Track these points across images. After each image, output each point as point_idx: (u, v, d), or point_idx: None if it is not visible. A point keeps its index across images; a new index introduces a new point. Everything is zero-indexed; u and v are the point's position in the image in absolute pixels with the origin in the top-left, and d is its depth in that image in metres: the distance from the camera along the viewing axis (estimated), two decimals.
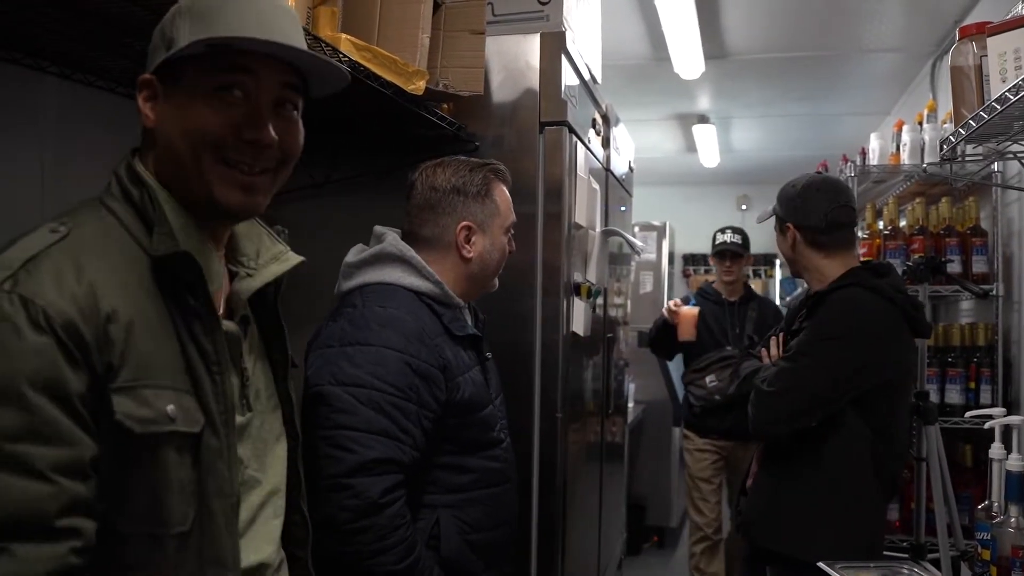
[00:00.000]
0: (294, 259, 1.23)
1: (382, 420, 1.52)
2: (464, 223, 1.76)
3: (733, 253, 4.10)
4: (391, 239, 1.76)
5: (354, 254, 1.79)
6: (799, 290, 2.70)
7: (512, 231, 1.87)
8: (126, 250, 1.01)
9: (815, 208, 2.28)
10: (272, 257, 1.22)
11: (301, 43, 1.08)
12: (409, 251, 1.74)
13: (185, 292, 1.03)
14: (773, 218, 2.42)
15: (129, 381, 0.94)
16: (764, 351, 2.46)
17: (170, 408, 0.97)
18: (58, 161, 1.80)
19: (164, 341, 1.00)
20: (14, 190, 1.71)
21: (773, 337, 2.47)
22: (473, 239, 1.77)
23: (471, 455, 1.72)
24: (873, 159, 3.56)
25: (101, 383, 0.92)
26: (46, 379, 0.86)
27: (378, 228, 1.82)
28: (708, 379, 3.72)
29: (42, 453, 0.84)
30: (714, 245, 4.19)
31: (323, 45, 1.57)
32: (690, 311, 3.96)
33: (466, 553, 1.68)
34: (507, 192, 1.86)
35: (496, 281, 1.88)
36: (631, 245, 2.91)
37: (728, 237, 4.14)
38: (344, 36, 1.67)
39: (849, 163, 3.55)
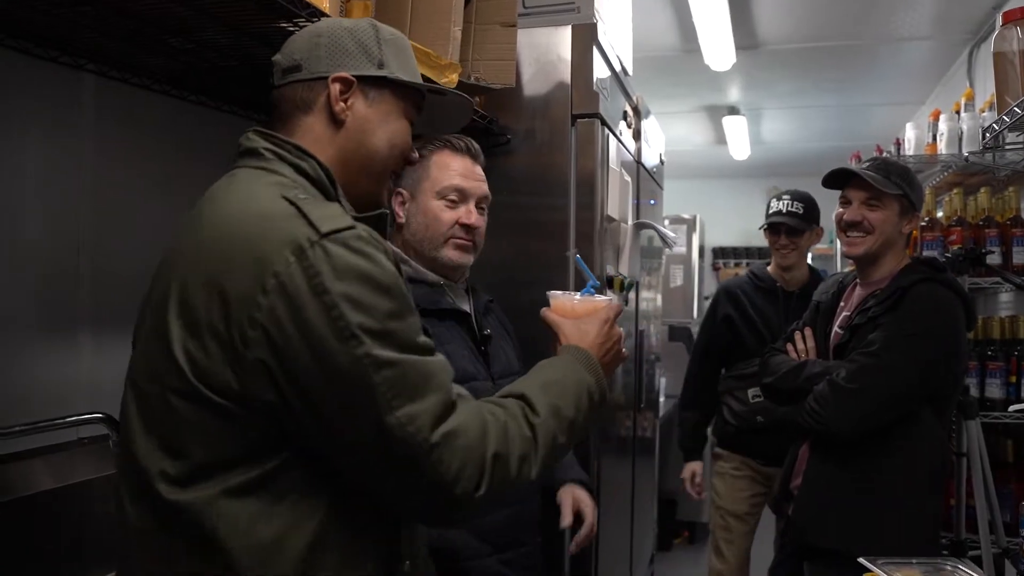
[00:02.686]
0: None
1: None
2: (400, 189, 1.82)
3: (790, 228, 3.01)
4: None
5: None
6: (828, 280, 2.51)
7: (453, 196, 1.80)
8: None
9: (923, 201, 2.22)
10: None
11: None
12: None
13: None
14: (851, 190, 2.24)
15: None
16: (790, 346, 2.38)
17: None
18: (96, 157, 1.81)
19: None
20: (54, 185, 1.73)
21: (797, 332, 2.40)
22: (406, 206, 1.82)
23: None
24: (909, 149, 3.50)
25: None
26: (402, 293, 1.06)
27: None
28: (752, 392, 2.95)
29: (428, 341, 1.09)
30: (767, 214, 3.11)
31: None
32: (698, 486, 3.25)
33: (463, 537, 1.67)
34: (450, 158, 1.81)
35: (447, 252, 1.79)
36: (664, 238, 2.88)
37: (784, 204, 3.05)
38: None
39: (885, 153, 3.49)
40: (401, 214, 1.82)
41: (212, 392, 0.99)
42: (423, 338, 1.07)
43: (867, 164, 2.25)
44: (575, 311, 1.39)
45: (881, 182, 2.15)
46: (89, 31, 1.52)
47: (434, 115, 1.39)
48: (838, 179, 2.27)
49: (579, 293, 1.43)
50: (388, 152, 1.25)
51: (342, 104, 1.20)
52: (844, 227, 2.24)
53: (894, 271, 2.19)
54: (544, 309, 1.41)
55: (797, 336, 2.39)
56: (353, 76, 1.21)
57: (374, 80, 1.23)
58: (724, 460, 3.16)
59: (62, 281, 1.74)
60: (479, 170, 1.84)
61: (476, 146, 1.85)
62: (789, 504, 2.31)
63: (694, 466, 3.29)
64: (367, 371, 0.99)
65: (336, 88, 1.20)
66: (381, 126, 1.24)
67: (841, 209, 2.26)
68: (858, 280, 2.32)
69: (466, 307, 1.83)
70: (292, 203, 1.04)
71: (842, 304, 2.35)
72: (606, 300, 1.41)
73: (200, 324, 0.99)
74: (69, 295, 1.76)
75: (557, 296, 1.44)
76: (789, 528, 2.30)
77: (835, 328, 2.32)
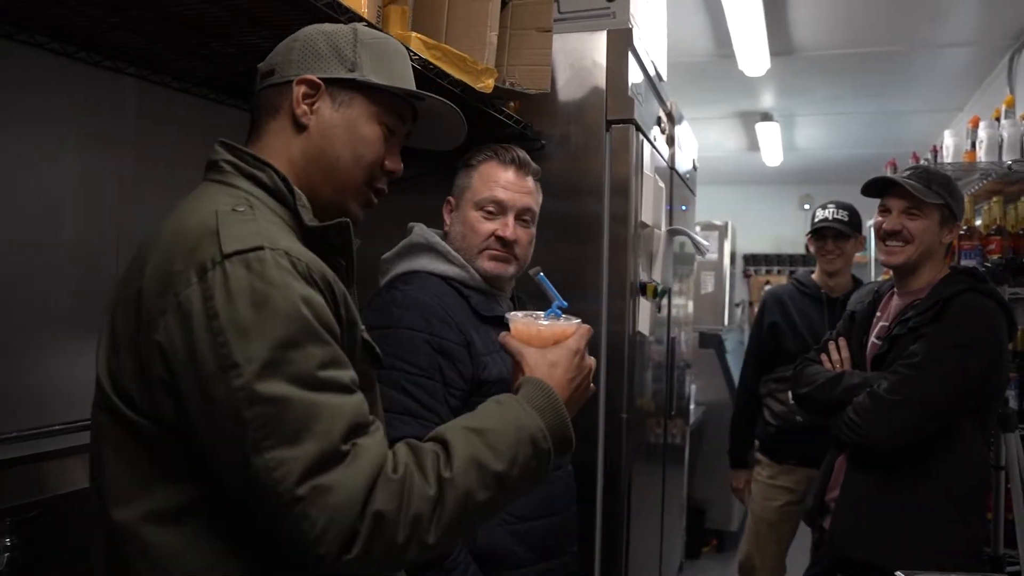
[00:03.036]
0: (355, 241, 1.28)
1: (404, 400, 1.55)
2: (449, 197, 1.88)
3: (837, 232, 3.12)
4: (419, 229, 1.83)
5: (390, 251, 1.85)
6: (862, 289, 2.48)
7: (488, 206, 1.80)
8: (282, 222, 1.10)
9: (963, 211, 2.19)
10: None
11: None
12: (435, 238, 1.79)
13: (336, 255, 1.15)
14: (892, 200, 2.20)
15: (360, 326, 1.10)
16: (824, 357, 2.35)
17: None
18: (136, 159, 1.84)
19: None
20: (95, 187, 1.76)
21: (831, 341, 2.36)
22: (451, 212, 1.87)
23: None
24: (947, 157, 3.45)
25: (348, 329, 1.06)
26: (324, 319, 0.98)
27: (410, 223, 1.87)
28: (792, 394, 2.92)
29: (344, 374, 0.99)
30: (813, 223, 3.23)
31: None
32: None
33: (508, 545, 1.66)
34: (494, 168, 1.82)
35: (482, 262, 1.78)
36: (696, 244, 2.87)
37: (831, 213, 3.16)
38: (414, 34, 1.67)
39: (922, 161, 3.44)
40: (447, 221, 1.85)
41: (127, 408, 0.98)
42: (333, 373, 0.97)
43: (907, 172, 2.21)
44: (541, 337, 1.24)
45: (922, 191, 2.11)
46: (132, 35, 1.55)
47: (433, 128, 1.32)
48: (878, 187, 2.23)
49: (544, 315, 1.29)
50: (352, 160, 1.17)
51: (304, 107, 1.15)
52: (883, 236, 2.20)
53: (933, 281, 2.16)
54: (504, 335, 1.27)
55: (831, 346, 2.35)
56: (320, 79, 1.16)
57: (343, 83, 1.17)
58: (762, 467, 3.29)
59: (101, 281, 1.76)
60: (527, 183, 1.83)
61: (525, 157, 1.84)
62: (824, 517, 2.28)
63: (744, 475, 3.43)
64: (240, 405, 0.91)
65: (300, 91, 1.15)
66: (347, 132, 1.17)
67: (880, 218, 2.22)
68: (895, 289, 2.28)
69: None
70: (217, 219, 1.00)
71: (879, 314, 2.31)
72: (575, 324, 1.26)
73: (120, 339, 1.00)
74: (108, 295, 1.78)
75: (518, 319, 1.28)
76: (824, 540, 2.27)
77: (872, 339, 2.28)
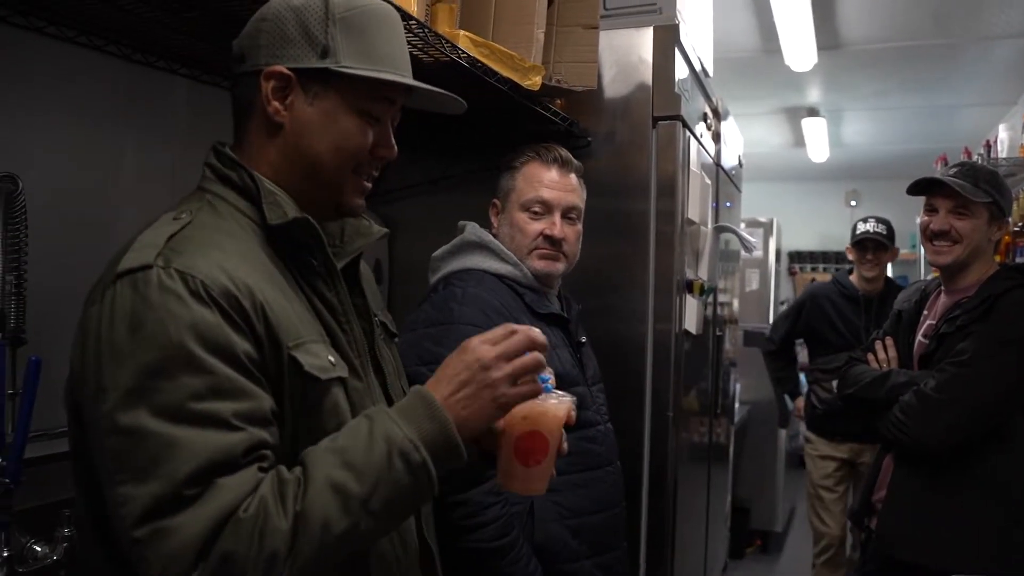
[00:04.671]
0: (378, 231, 1.25)
1: None
2: (495, 199, 1.88)
3: (877, 243, 3.61)
4: (471, 228, 1.84)
5: (441, 248, 1.86)
6: (909, 288, 2.48)
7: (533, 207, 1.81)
8: (243, 225, 1.04)
9: (1011, 206, 2.18)
10: (356, 231, 1.24)
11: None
12: (488, 237, 1.81)
13: (305, 254, 1.08)
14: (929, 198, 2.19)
15: (294, 339, 0.99)
16: (871, 356, 2.32)
17: (330, 357, 1.03)
18: (187, 158, 1.87)
19: (295, 301, 1.04)
20: (148, 186, 1.79)
21: (878, 340, 2.33)
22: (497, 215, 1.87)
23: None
24: (1001, 151, 3.38)
25: (269, 345, 0.96)
26: (215, 343, 0.90)
27: (461, 222, 1.88)
28: (835, 383, 3.11)
29: (226, 406, 0.89)
30: (854, 234, 3.70)
31: (443, 42, 1.59)
32: None
33: (565, 538, 1.67)
34: (537, 169, 1.82)
35: (532, 262, 1.79)
36: (744, 241, 2.84)
37: (871, 226, 3.65)
38: (462, 32, 1.68)
39: (977, 156, 3.36)
40: (494, 223, 1.86)
41: (68, 413, 0.99)
42: (208, 405, 0.88)
43: (954, 170, 2.17)
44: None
45: (970, 190, 2.08)
46: (185, 36, 1.57)
47: (434, 96, 1.19)
48: (923, 186, 2.20)
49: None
50: (334, 156, 1.07)
51: (276, 104, 1.05)
52: (930, 236, 2.17)
53: (982, 278, 2.12)
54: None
55: (878, 345, 2.32)
56: (289, 70, 1.04)
57: (315, 73, 1.04)
58: (812, 444, 3.85)
59: None
60: (571, 180, 1.84)
61: (566, 155, 1.84)
62: (871, 517, 2.25)
63: (801, 400, 4.12)
64: (102, 432, 0.88)
65: (268, 86, 1.04)
66: (325, 128, 1.06)
67: (927, 217, 2.19)
68: (943, 288, 2.24)
69: (564, 314, 1.85)
70: (147, 231, 0.98)
71: (925, 313, 2.27)
72: (554, 403, 1.09)
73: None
74: None
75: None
76: (872, 541, 2.24)
77: (919, 337, 2.25)
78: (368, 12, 1.08)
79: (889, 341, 2.31)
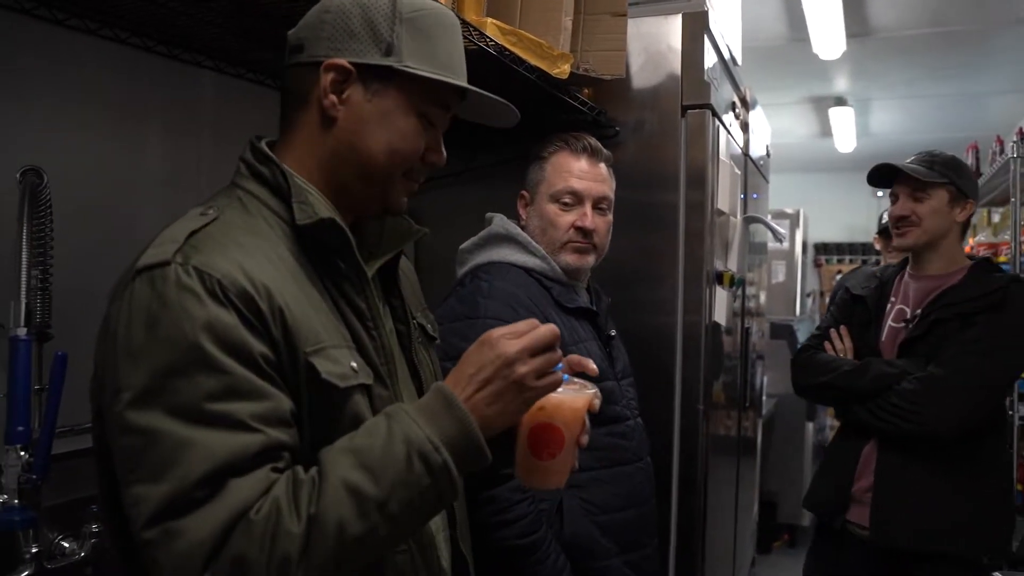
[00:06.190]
0: (417, 230, 1.22)
1: None
2: (523, 191, 1.84)
3: None
4: (499, 220, 1.81)
5: (468, 241, 1.83)
6: (859, 274, 2.61)
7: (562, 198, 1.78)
8: (271, 224, 1.02)
9: (975, 188, 2.24)
10: (395, 230, 1.21)
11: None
12: (515, 229, 1.78)
13: (334, 256, 1.05)
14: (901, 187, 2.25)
15: (313, 344, 0.96)
16: (828, 344, 2.34)
17: (353, 364, 1.00)
18: (213, 150, 1.86)
19: (320, 305, 1.01)
20: (175, 177, 1.78)
21: (833, 329, 2.35)
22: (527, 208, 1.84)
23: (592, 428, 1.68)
24: None
25: (286, 350, 0.94)
26: (232, 344, 0.88)
27: (489, 214, 1.85)
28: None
29: (243, 407, 0.88)
30: (880, 224, 3.61)
31: (471, 30, 1.56)
32: None
33: (593, 535, 1.65)
34: (567, 159, 1.79)
35: (565, 256, 1.77)
36: (774, 232, 2.80)
37: None
38: (490, 20, 1.65)
39: (1012, 144, 3.29)
40: (523, 215, 1.83)
41: (93, 410, 0.98)
42: (224, 406, 0.87)
43: (911, 158, 2.26)
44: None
45: (924, 173, 2.16)
46: (212, 28, 1.55)
47: (484, 107, 1.17)
48: (884, 177, 2.28)
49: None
50: (387, 156, 1.06)
51: (333, 98, 1.03)
52: (894, 223, 2.25)
53: (955, 263, 2.19)
54: None
55: (833, 334, 2.34)
56: (351, 63, 1.02)
57: (378, 70, 1.03)
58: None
59: None
60: (600, 170, 1.81)
61: (596, 144, 1.81)
62: (845, 510, 2.22)
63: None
64: (116, 432, 0.87)
65: (328, 78, 1.02)
66: (380, 126, 1.05)
67: (891, 206, 2.28)
68: (909, 272, 2.28)
69: (591, 305, 1.82)
70: (173, 226, 0.96)
71: (893, 299, 2.28)
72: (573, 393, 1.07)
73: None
74: None
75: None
76: (849, 533, 2.22)
77: (889, 322, 2.26)
78: (434, 16, 1.08)
79: (844, 330, 2.34)
